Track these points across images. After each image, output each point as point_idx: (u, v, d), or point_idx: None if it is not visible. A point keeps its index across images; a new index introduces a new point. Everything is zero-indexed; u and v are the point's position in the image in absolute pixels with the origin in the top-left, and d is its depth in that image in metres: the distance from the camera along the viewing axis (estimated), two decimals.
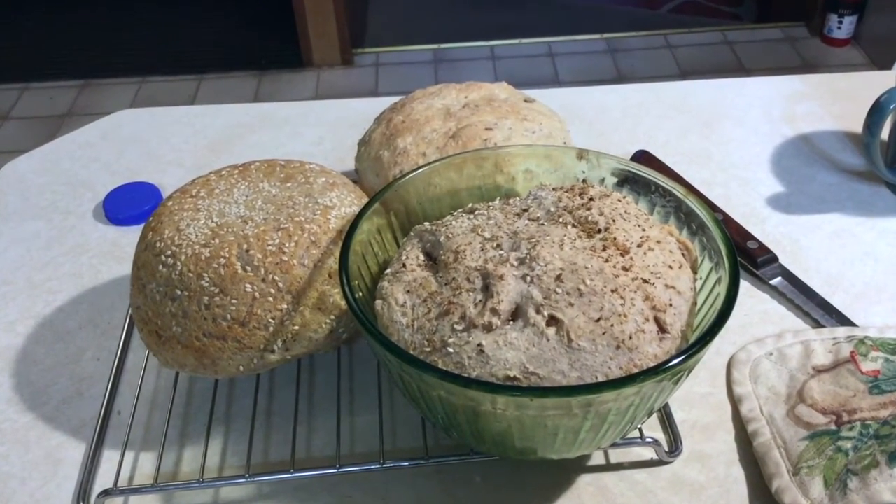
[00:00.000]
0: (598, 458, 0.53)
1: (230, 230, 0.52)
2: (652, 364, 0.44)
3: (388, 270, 0.51)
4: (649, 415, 0.48)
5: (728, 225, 0.69)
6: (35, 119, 2.29)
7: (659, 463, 0.53)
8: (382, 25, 2.69)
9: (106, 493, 0.51)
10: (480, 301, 0.45)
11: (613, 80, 2.35)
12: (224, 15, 2.71)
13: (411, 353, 0.45)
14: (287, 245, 0.51)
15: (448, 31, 2.60)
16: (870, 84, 0.90)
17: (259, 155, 0.79)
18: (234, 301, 0.50)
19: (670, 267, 0.48)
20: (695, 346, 0.43)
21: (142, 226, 0.72)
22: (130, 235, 0.72)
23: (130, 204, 0.74)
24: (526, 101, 0.69)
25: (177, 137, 0.86)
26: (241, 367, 0.52)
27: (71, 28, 2.66)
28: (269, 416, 0.57)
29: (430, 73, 2.43)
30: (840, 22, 2.43)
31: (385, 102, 0.75)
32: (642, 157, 0.77)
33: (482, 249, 0.48)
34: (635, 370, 0.43)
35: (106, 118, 0.89)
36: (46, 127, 2.25)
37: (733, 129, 0.84)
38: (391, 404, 0.57)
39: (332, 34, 2.42)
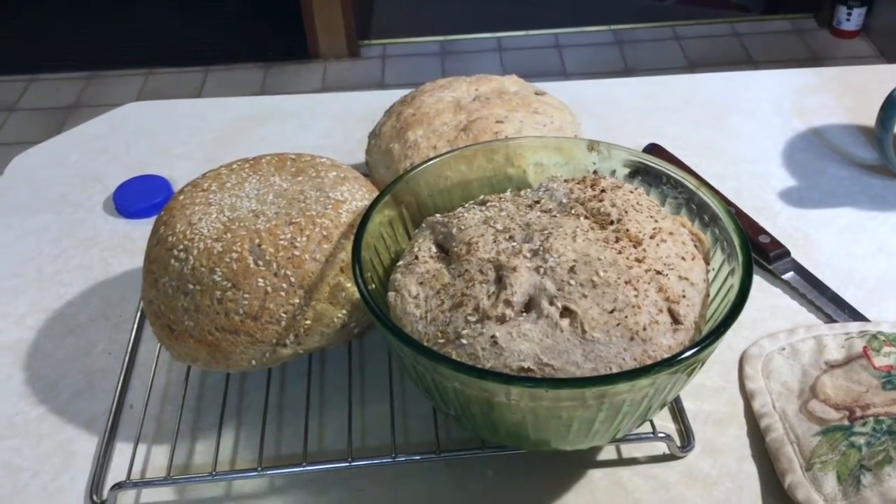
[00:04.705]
0: (610, 453, 0.53)
1: (242, 224, 0.52)
2: (666, 355, 0.44)
3: (400, 262, 0.51)
4: (662, 406, 0.48)
5: (740, 219, 0.68)
6: (41, 111, 2.30)
7: (671, 457, 0.53)
8: (389, 17, 2.68)
9: (119, 485, 0.51)
10: (494, 293, 0.45)
11: (621, 72, 2.34)
12: (230, 7, 2.70)
13: (425, 344, 0.45)
14: (299, 239, 0.51)
15: (455, 23, 2.59)
16: (882, 77, 0.89)
17: (268, 148, 0.79)
18: (246, 295, 0.50)
19: (683, 258, 0.48)
20: (710, 338, 0.43)
21: (152, 219, 0.73)
22: (141, 228, 0.72)
23: (140, 197, 0.74)
24: (537, 93, 0.69)
25: (185, 130, 0.85)
26: (254, 361, 0.51)
27: (77, 20, 2.66)
28: (281, 409, 0.57)
29: (436, 65, 2.42)
30: (849, 13, 2.41)
31: (394, 95, 0.75)
32: (653, 150, 0.76)
33: (495, 241, 0.48)
34: (649, 361, 0.43)
35: (114, 111, 0.89)
36: (53, 118, 2.25)
37: (744, 122, 0.83)
38: (402, 398, 0.57)
39: (338, 26, 2.42)
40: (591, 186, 0.52)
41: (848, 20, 2.43)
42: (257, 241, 0.51)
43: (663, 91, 0.88)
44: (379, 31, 2.60)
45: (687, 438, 0.53)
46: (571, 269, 0.45)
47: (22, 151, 0.83)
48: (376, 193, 0.56)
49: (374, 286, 0.49)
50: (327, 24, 2.42)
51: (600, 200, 0.50)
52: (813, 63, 2.34)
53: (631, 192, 0.51)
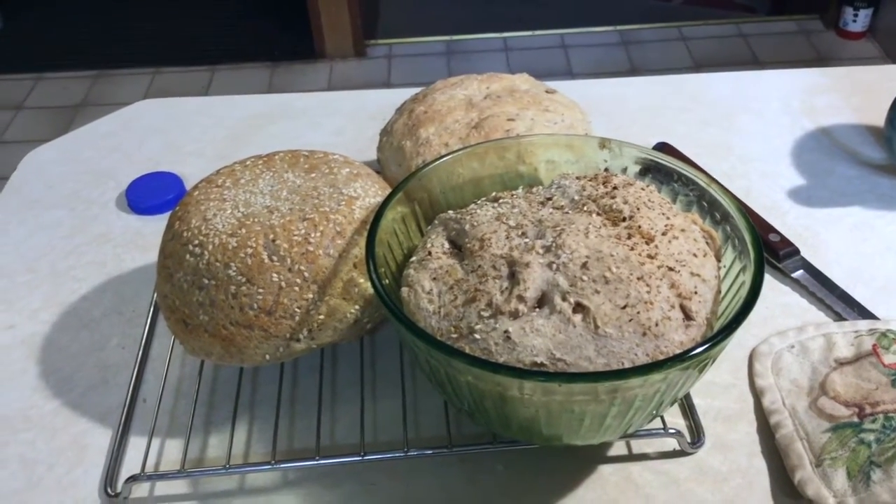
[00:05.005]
0: (621, 448, 0.54)
1: (256, 220, 0.52)
2: (678, 351, 0.44)
3: (413, 258, 0.51)
4: (673, 402, 0.48)
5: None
6: (49, 109, 2.30)
7: (682, 453, 0.53)
8: (395, 17, 2.69)
9: (133, 478, 0.51)
10: (506, 288, 0.46)
11: (627, 72, 2.34)
12: (237, 6, 2.71)
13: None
14: (312, 235, 0.52)
15: (460, 23, 2.59)
16: (890, 77, 0.89)
17: (279, 145, 0.79)
18: (260, 290, 0.50)
19: (695, 255, 0.48)
20: (722, 334, 0.43)
21: (164, 215, 0.73)
22: (153, 224, 0.73)
23: (153, 193, 0.75)
24: (547, 92, 0.69)
25: (197, 128, 0.86)
26: (268, 356, 0.52)
27: (84, 19, 2.67)
28: (293, 403, 0.57)
29: (442, 65, 2.42)
30: (855, 14, 2.41)
31: (403, 93, 0.76)
32: (663, 148, 0.77)
33: (507, 237, 0.48)
34: (661, 357, 0.44)
35: (126, 108, 0.90)
36: (60, 117, 2.26)
37: (753, 121, 0.84)
38: (414, 393, 0.57)
39: (344, 25, 2.42)
40: (604, 183, 0.52)
41: (854, 21, 2.42)
42: (272, 236, 0.51)
43: (672, 90, 0.89)
44: (385, 30, 2.61)
45: (697, 435, 0.54)
46: (584, 265, 0.45)
47: (30, 150, 0.84)
48: (389, 190, 0.56)
49: (387, 282, 0.49)
50: (334, 24, 2.42)
51: (612, 197, 0.50)
52: (819, 64, 2.34)
53: (643, 189, 0.52)
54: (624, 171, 0.56)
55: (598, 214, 0.49)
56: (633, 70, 2.36)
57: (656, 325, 0.44)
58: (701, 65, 2.37)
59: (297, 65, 2.46)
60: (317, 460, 0.52)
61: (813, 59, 2.38)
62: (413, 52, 2.51)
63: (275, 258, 0.51)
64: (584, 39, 2.52)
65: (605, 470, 0.52)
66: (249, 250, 0.51)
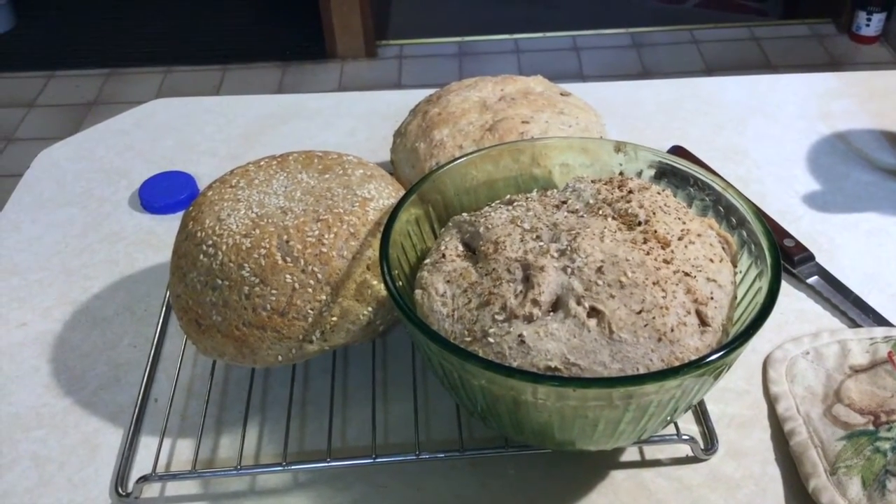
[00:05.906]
0: (633, 454, 0.53)
1: (270, 221, 0.52)
2: (693, 357, 0.44)
3: (426, 261, 0.51)
4: (688, 409, 0.48)
5: None
6: (61, 107, 2.31)
7: (695, 460, 0.53)
8: (406, 18, 2.69)
9: (144, 478, 0.51)
10: (521, 292, 0.45)
11: (639, 75, 2.33)
12: (249, 6, 2.72)
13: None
14: (326, 236, 0.52)
15: (472, 24, 2.59)
16: None
17: (292, 146, 0.80)
18: (274, 291, 0.50)
19: (711, 260, 0.48)
20: (738, 340, 0.43)
21: (177, 214, 0.73)
22: (166, 224, 0.73)
23: (166, 193, 0.75)
24: (562, 94, 0.69)
25: (210, 127, 0.86)
26: (280, 357, 0.52)
27: (96, 17, 2.68)
28: (305, 405, 0.57)
29: (454, 66, 2.42)
30: (868, 19, 2.40)
31: (416, 95, 0.75)
32: (677, 152, 0.76)
33: (522, 241, 0.48)
34: (677, 363, 0.43)
35: (139, 107, 0.90)
36: (72, 115, 2.27)
37: (768, 125, 0.83)
38: (425, 396, 0.57)
39: (356, 26, 2.42)
40: (619, 187, 0.52)
41: (867, 26, 2.41)
42: (285, 237, 0.51)
43: (686, 94, 0.88)
44: (396, 31, 2.61)
45: (710, 441, 0.53)
46: (599, 270, 0.45)
47: (41, 147, 0.84)
48: (402, 192, 0.56)
49: (400, 284, 0.49)
50: (345, 24, 2.42)
51: (628, 201, 0.50)
52: (832, 68, 2.32)
53: (658, 193, 0.51)
54: (639, 174, 0.56)
55: (614, 218, 0.49)
56: (645, 73, 2.35)
57: (672, 330, 0.44)
58: (713, 68, 2.36)
59: (307, 65, 2.46)
60: (328, 462, 0.52)
61: (826, 63, 2.37)
62: (424, 53, 2.51)
63: (288, 259, 0.51)
64: (596, 42, 2.51)
65: (617, 475, 0.52)
66: (263, 251, 0.51)
